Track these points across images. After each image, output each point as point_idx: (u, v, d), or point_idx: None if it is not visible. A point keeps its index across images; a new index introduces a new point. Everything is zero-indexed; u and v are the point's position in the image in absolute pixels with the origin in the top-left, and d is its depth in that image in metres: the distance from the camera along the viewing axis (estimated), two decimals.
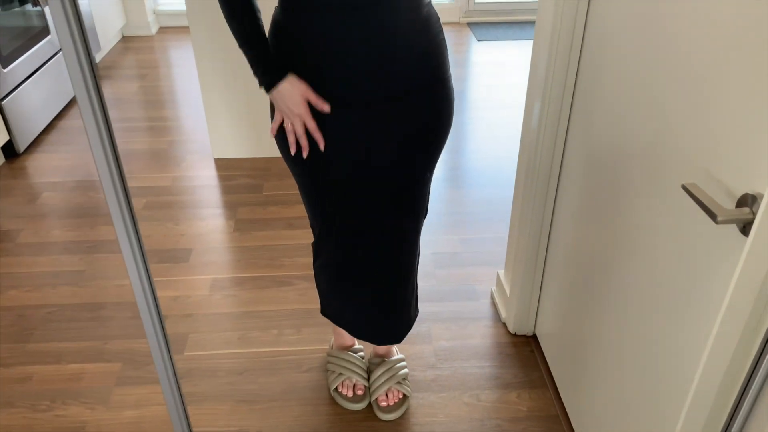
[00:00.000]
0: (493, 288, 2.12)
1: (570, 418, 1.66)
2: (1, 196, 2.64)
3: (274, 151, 2.92)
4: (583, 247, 1.50)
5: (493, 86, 3.66)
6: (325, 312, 1.67)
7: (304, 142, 1.28)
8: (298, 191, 2.66)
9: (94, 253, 2.30)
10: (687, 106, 0.99)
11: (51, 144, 3.04)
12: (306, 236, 2.39)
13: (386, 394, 1.68)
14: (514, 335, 1.95)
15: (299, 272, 2.21)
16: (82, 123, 3.21)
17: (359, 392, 1.70)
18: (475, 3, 4.58)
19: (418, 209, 1.45)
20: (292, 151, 1.31)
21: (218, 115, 2.81)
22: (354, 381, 1.71)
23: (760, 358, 0.79)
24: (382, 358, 1.75)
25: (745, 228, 0.84)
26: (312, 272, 2.16)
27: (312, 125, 1.26)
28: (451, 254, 2.31)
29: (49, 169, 2.83)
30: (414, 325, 1.96)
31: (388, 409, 1.67)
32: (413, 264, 1.54)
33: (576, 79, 1.50)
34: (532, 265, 1.82)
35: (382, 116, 1.27)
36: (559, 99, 1.54)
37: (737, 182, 0.87)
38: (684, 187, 0.89)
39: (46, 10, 3.20)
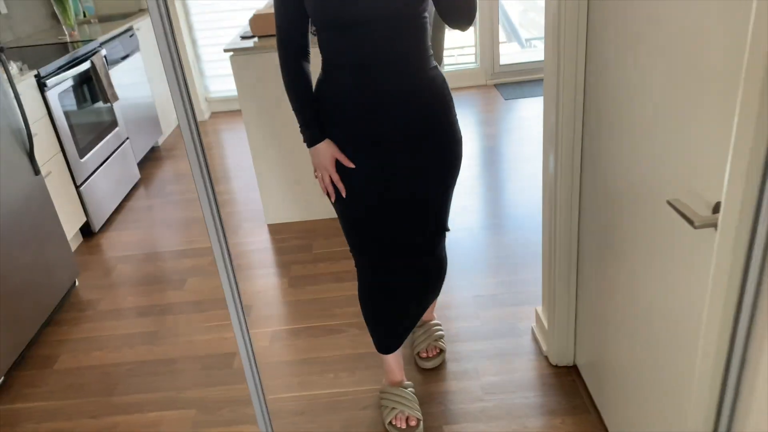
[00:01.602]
0: (533, 324, 2.25)
1: None
2: (81, 270, 2.94)
3: (321, 214, 3.17)
4: (607, 278, 1.63)
5: (523, 139, 3.86)
6: (378, 344, 1.88)
7: (330, 190, 1.66)
8: (343, 248, 2.87)
9: (165, 315, 2.54)
10: (669, 140, 1.16)
11: (121, 222, 3.37)
12: (352, 288, 2.58)
13: (426, 350, 2.10)
14: (556, 366, 2.06)
15: (350, 320, 2.38)
16: (147, 203, 3.56)
17: (412, 423, 1.84)
18: (500, 65, 4.85)
19: (438, 227, 1.76)
20: (331, 197, 1.68)
21: (269, 185, 3.09)
22: (407, 414, 1.85)
23: (737, 325, 0.92)
24: (423, 322, 2.16)
25: None
26: (362, 320, 2.34)
27: (336, 178, 1.63)
28: (491, 296, 2.45)
29: (121, 244, 3.14)
30: (460, 362, 2.11)
31: (428, 359, 2.09)
32: (444, 267, 1.86)
33: (583, 126, 1.69)
34: (565, 300, 1.95)
35: (402, 154, 1.60)
36: (570, 146, 1.72)
37: (711, 194, 1.03)
38: (668, 202, 1.05)
39: (115, 105, 3.61)
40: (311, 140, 1.62)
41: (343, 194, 1.64)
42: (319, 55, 1.58)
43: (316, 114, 1.62)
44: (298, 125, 1.64)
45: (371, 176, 1.62)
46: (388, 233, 1.70)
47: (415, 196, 1.65)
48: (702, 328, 0.98)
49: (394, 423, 1.85)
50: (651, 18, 1.18)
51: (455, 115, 1.66)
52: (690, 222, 0.99)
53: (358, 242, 1.73)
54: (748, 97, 0.81)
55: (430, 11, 1.60)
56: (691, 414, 1.06)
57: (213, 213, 1.14)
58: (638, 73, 1.27)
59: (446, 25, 1.65)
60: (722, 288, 0.92)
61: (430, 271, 1.82)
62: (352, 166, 1.61)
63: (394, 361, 1.92)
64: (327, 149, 1.61)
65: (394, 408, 1.86)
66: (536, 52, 5.45)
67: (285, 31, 1.57)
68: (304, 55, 1.60)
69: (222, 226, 1.17)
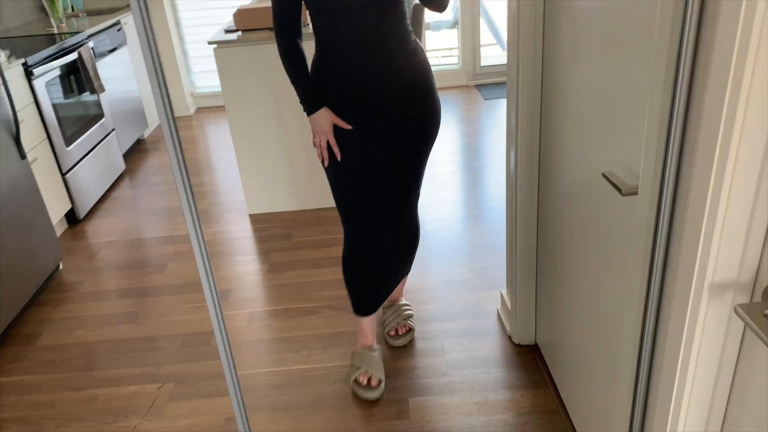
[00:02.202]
0: (499, 307, 2.36)
1: (568, 411, 1.85)
2: (66, 255, 3.01)
3: (302, 205, 3.26)
4: (561, 263, 1.75)
5: (501, 137, 3.98)
6: (356, 307, 2.05)
7: (326, 154, 1.84)
8: (322, 236, 2.97)
9: (147, 297, 2.62)
10: (606, 125, 1.27)
11: (106, 210, 3.45)
12: (330, 273, 2.68)
13: (395, 328, 2.22)
14: (518, 345, 2.17)
15: (325, 303, 2.48)
16: (131, 193, 3.63)
17: (374, 383, 1.99)
18: (481, 67, 4.99)
19: (415, 190, 1.97)
20: (324, 162, 1.86)
21: (252, 177, 3.18)
22: (370, 374, 2.01)
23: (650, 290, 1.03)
24: (392, 302, 2.29)
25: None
26: (337, 302, 2.45)
27: (332, 141, 1.81)
28: (461, 281, 2.56)
29: (105, 231, 3.22)
30: (427, 341, 2.22)
31: (397, 338, 2.21)
32: (418, 230, 2.06)
33: (540, 125, 1.80)
34: (526, 284, 2.06)
35: (389, 120, 1.79)
36: (529, 144, 1.83)
37: (638, 168, 1.14)
38: (603, 174, 1.17)
39: (102, 97, 3.69)
40: (311, 107, 1.79)
41: (338, 157, 1.83)
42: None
43: (313, 85, 1.80)
44: (298, 97, 1.84)
45: (360, 140, 1.82)
46: (372, 192, 1.88)
47: (397, 153, 1.85)
48: (626, 295, 1.09)
49: (358, 380, 2.01)
50: (588, 25, 1.30)
51: (434, 83, 1.86)
52: (618, 190, 1.10)
53: (346, 204, 1.91)
54: (656, 91, 0.93)
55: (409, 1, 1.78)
56: (621, 379, 1.17)
57: (188, 198, 1.21)
58: (581, 72, 1.39)
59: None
60: (642, 249, 1.03)
61: (405, 239, 2.01)
62: (349, 127, 1.80)
63: (368, 325, 2.10)
64: (326, 114, 1.79)
65: (359, 367, 2.03)
66: None
67: (282, 15, 1.76)
68: (299, 35, 1.80)
69: (196, 208, 1.24)
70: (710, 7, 0.82)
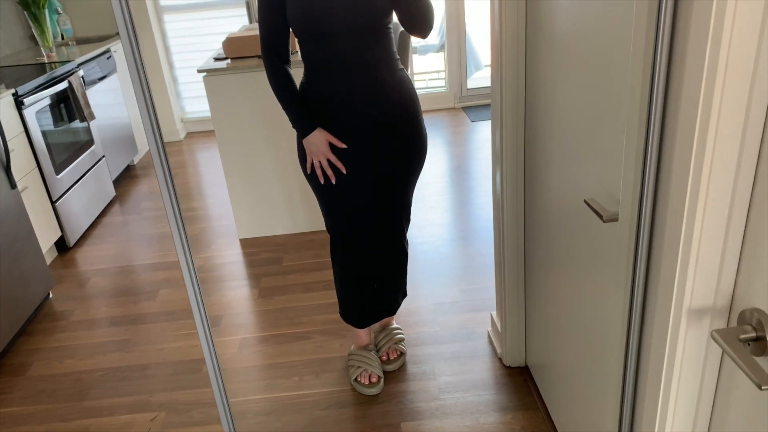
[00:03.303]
0: (489, 329, 2.38)
1: None
2: (56, 283, 3.00)
3: (291, 229, 3.28)
4: (549, 284, 1.78)
5: (487, 159, 4.03)
6: (344, 316, 2.13)
7: (330, 172, 1.86)
8: (313, 260, 2.99)
9: (137, 324, 2.62)
10: (589, 153, 1.31)
11: (96, 237, 3.45)
12: (321, 297, 2.69)
13: (387, 353, 2.24)
14: (509, 367, 2.19)
15: (316, 327, 2.49)
16: (121, 219, 3.64)
17: (374, 380, 2.12)
18: (467, 89, 5.06)
19: (403, 212, 2.01)
20: (322, 181, 1.88)
21: (241, 201, 3.20)
22: (369, 372, 2.12)
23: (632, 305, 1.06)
24: (384, 326, 2.32)
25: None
26: (328, 327, 2.46)
27: (333, 158, 1.84)
28: (451, 303, 2.58)
29: (95, 258, 3.22)
30: (419, 364, 2.23)
31: (389, 362, 2.22)
32: (405, 253, 2.11)
33: (525, 146, 1.84)
34: (515, 306, 2.08)
35: (377, 142, 1.84)
36: (514, 165, 1.87)
37: (618, 194, 1.18)
38: (585, 201, 1.20)
39: (92, 124, 3.71)
40: (304, 131, 1.82)
41: (344, 171, 1.85)
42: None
43: (305, 108, 1.83)
44: (290, 122, 1.85)
45: (348, 162, 1.86)
46: (360, 212, 1.92)
47: (385, 177, 1.90)
48: (610, 318, 1.12)
49: (359, 380, 2.12)
50: (567, 50, 1.35)
51: (420, 110, 1.92)
52: (600, 217, 1.13)
53: (334, 224, 1.95)
54: (631, 121, 0.97)
55: (395, 25, 1.83)
56: (608, 400, 1.19)
57: (178, 224, 1.24)
58: (562, 97, 1.43)
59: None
60: (623, 276, 1.06)
61: (393, 259, 2.08)
62: (344, 146, 1.83)
63: (363, 328, 2.17)
64: (320, 135, 1.82)
65: (359, 367, 2.14)
66: None
67: (270, 40, 1.81)
68: (287, 60, 1.85)
69: (186, 235, 1.27)
70: (680, 42, 0.86)
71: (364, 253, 2.00)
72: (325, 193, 1.92)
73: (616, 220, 1.12)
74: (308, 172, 1.90)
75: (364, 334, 2.20)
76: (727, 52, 0.78)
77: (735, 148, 0.83)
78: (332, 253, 2.05)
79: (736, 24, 0.77)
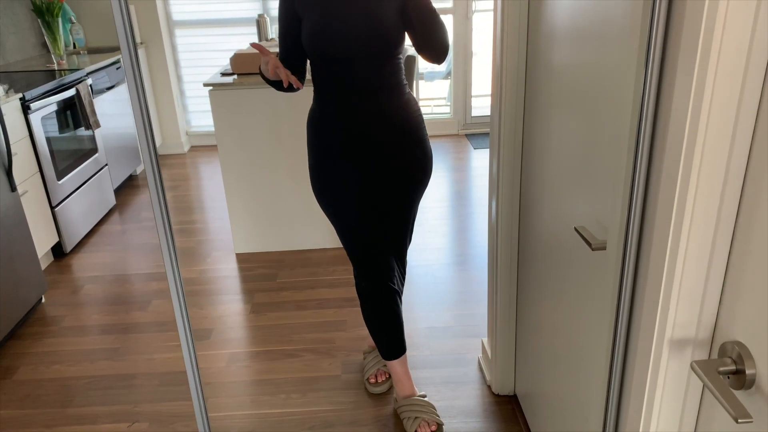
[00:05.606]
0: (480, 355, 2.36)
1: None
2: (49, 288, 3.00)
3: (288, 245, 3.28)
4: (538, 314, 1.77)
5: (487, 186, 4.04)
6: (383, 352, 2.08)
7: (291, 77, 1.67)
8: (307, 278, 2.99)
9: (128, 333, 2.61)
10: (578, 184, 1.32)
11: (93, 245, 3.45)
12: (312, 316, 2.68)
13: (375, 375, 2.23)
14: (498, 395, 2.17)
15: (306, 346, 2.48)
16: (120, 228, 3.65)
17: (380, 380, 2.22)
18: (471, 117, 5.10)
19: (407, 230, 2.03)
20: (285, 85, 1.71)
21: (240, 216, 3.21)
22: (380, 372, 2.23)
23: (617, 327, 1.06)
24: (373, 348, 2.32)
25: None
26: (318, 345, 2.45)
27: (279, 67, 1.66)
28: (444, 328, 2.56)
29: (91, 265, 3.22)
30: None
31: (377, 385, 2.21)
32: (404, 270, 2.12)
33: (521, 178, 1.85)
34: (506, 334, 2.07)
35: (383, 164, 1.85)
36: (509, 195, 1.88)
37: (608, 223, 1.18)
38: (575, 228, 1.20)
39: (97, 133, 3.74)
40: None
41: (295, 85, 1.69)
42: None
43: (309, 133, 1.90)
44: (262, 76, 1.84)
45: (356, 185, 1.87)
46: (368, 233, 1.91)
47: (392, 198, 1.91)
48: (596, 345, 1.12)
49: (370, 380, 2.21)
50: (562, 83, 1.36)
51: (425, 131, 1.93)
52: (589, 244, 1.13)
53: (348, 245, 1.94)
54: (620, 152, 0.98)
55: (404, 53, 1.86)
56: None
57: (167, 238, 1.24)
58: (557, 127, 1.44)
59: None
60: (610, 301, 1.06)
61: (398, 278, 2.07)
62: (295, 80, 1.68)
63: (402, 370, 2.08)
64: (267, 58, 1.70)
65: (372, 368, 2.23)
66: None
67: (284, 61, 1.85)
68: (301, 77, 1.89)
69: (174, 247, 1.27)
70: (667, 79, 0.88)
71: (380, 271, 1.96)
72: (338, 218, 1.92)
73: (605, 248, 1.12)
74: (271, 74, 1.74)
75: (405, 380, 2.11)
76: (710, 97, 0.79)
77: (719, 181, 0.84)
78: (356, 289, 2.02)
79: (719, 72, 0.78)
